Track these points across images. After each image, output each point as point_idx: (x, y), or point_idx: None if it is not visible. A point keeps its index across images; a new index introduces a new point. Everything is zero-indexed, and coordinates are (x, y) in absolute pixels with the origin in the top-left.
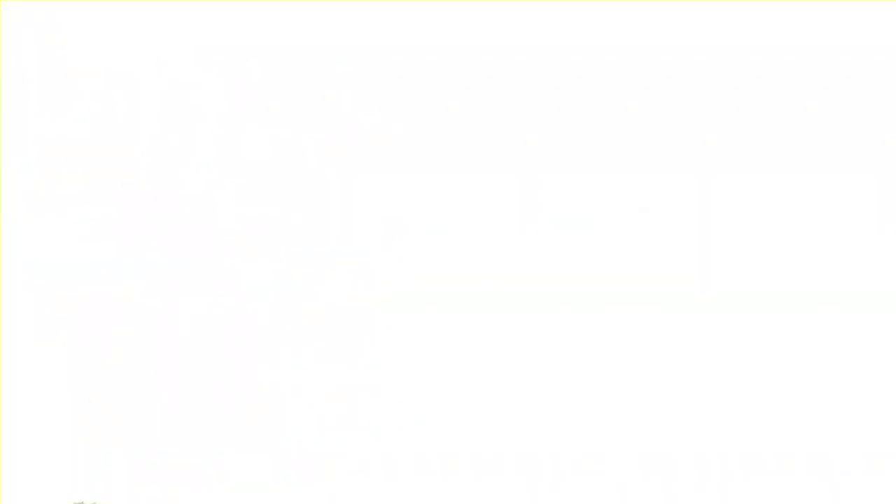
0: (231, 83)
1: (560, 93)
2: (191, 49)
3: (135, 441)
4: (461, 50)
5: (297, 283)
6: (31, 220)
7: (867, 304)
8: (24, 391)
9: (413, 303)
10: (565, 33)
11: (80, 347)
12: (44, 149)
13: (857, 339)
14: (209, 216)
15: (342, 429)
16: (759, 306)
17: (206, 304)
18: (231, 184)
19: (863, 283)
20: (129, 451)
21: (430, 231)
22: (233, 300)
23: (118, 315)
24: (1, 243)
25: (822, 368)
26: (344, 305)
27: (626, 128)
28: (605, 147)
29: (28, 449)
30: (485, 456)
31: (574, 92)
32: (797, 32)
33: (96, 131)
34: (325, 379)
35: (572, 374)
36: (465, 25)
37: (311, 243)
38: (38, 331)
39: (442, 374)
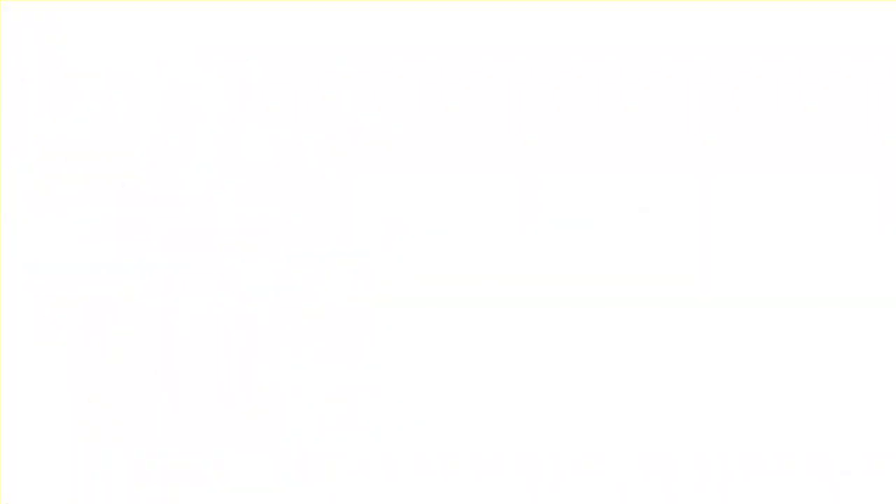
0: (231, 83)
1: (560, 93)
2: (191, 49)
3: (135, 441)
4: (461, 50)
5: (297, 282)
6: (31, 220)
7: (867, 304)
8: (24, 391)
9: (413, 303)
10: (565, 33)
11: (80, 347)
12: (44, 149)
13: (857, 339)
14: (209, 216)
15: (342, 429)
16: (759, 306)
17: (206, 304)
18: (231, 184)
19: (863, 283)
20: (129, 451)
21: (430, 231)
22: (233, 300)
23: (118, 315)
24: (1, 243)
25: (822, 368)
26: (344, 305)
27: (626, 128)
28: (605, 147)
29: (28, 449)
30: (485, 456)
31: (574, 92)
32: (797, 32)
33: (96, 131)
34: (325, 379)
35: (572, 373)
36: (465, 25)
37: (311, 243)
38: (38, 331)
39: (441, 374)
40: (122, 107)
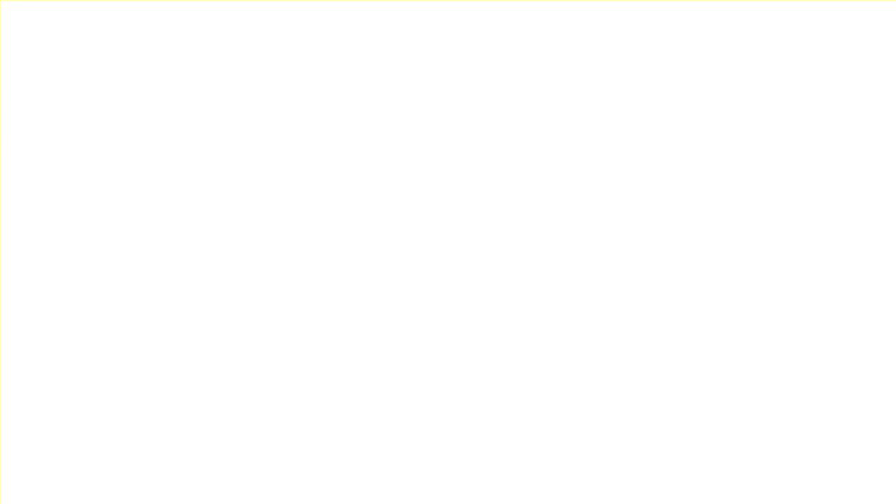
0: (231, 83)
1: (560, 93)
2: (191, 49)
3: (135, 441)
4: (461, 50)
5: (300, 281)
6: (31, 219)
7: (867, 303)
8: (24, 391)
9: (412, 302)
10: (566, 34)
11: (80, 347)
12: (44, 148)
13: (857, 339)
14: (209, 215)
15: (342, 429)
16: (758, 306)
17: (206, 302)
18: (231, 183)
19: (862, 283)
20: (129, 451)
21: (429, 230)
22: (233, 298)
23: (118, 312)
24: (1, 242)
25: (821, 368)
26: (344, 306)
27: (626, 127)
28: (604, 147)
29: (28, 449)
30: (484, 453)
31: (574, 92)
32: (797, 33)
33: (96, 131)
34: (324, 378)
35: (571, 375)
36: (466, 26)
37: (310, 240)
38: (38, 327)
39: (440, 373)
40: (122, 107)
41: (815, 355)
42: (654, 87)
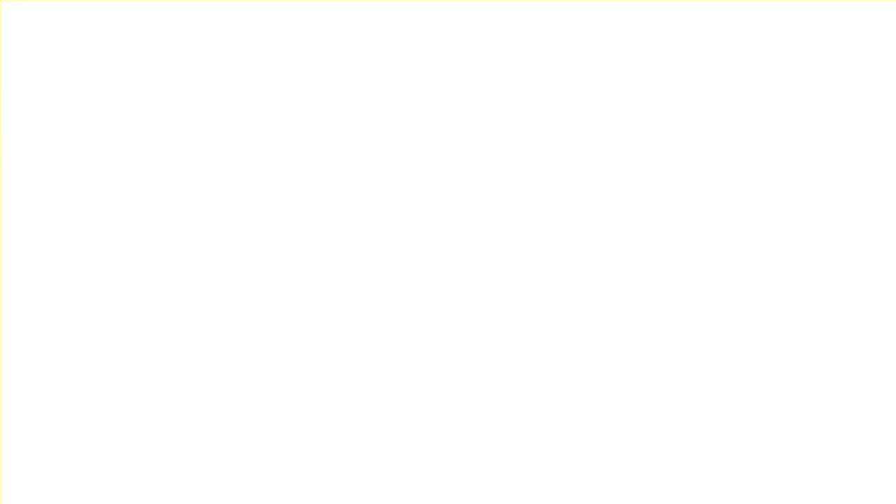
0: (231, 83)
1: (560, 93)
2: (191, 49)
3: (135, 441)
4: (461, 50)
5: (299, 281)
6: (31, 219)
7: (867, 303)
8: (24, 391)
9: (412, 302)
10: (565, 34)
11: (80, 347)
12: (44, 148)
13: (857, 339)
14: (209, 215)
15: (342, 429)
16: (759, 305)
17: (206, 302)
18: (231, 183)
19: (862, 283)
20: (129, 451)
21: (429, 230)
22: (233, 297)
23: (118, 311)
24: (1, 241)
25: (821, 367)
26: (344, 306)
27: (626, 126)
28: (604, 146)
29: (28, 449)
30: (485, 453)
31: (574, 92)
32: (797, 33)
33: (96, 131)
34: (324, 378)
35: (572, 376)
36: (466, 26)
37: (310, 239)
38: (38, 326)
39: (440, 372)
40: (122, 107)
41: (814, 355)
42: (654, 87)
